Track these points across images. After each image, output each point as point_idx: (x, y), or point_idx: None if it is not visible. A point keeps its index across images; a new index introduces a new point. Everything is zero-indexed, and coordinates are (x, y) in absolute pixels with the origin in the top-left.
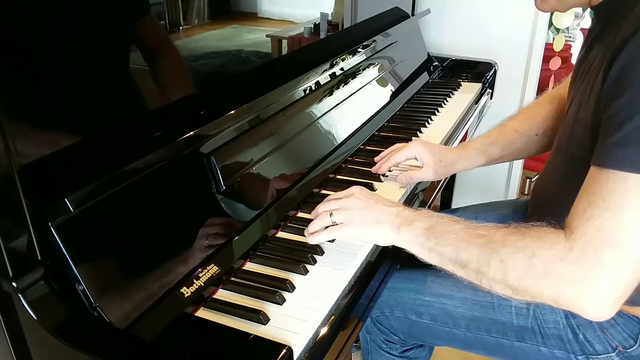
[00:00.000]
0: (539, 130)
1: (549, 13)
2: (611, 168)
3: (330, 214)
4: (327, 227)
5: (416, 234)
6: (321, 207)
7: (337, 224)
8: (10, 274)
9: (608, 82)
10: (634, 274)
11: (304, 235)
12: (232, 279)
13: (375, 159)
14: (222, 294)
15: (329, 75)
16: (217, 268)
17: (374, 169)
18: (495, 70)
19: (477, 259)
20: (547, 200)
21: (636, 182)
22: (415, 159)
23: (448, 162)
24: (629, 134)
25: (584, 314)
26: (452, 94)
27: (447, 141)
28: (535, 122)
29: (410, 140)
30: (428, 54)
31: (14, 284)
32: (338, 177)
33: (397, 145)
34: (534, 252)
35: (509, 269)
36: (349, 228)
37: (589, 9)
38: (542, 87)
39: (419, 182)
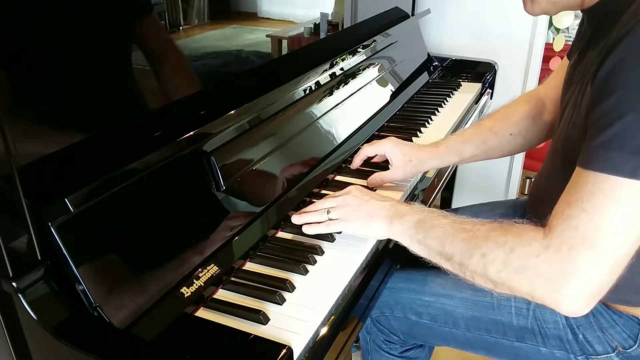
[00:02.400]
0: (514, 130)
1: None
2: (592, 170)
3: (328, 212)
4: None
5: (407, 227)
6: (319, 204)
7: (333, 220)
8: (10, 274)
9: (595, 84)
10: (607, 274)
11: (304, 235)
12: (232, 279)
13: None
14: (222, 294)
15: (329, 75)
16: (217, 268)
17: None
18: (495, 70)
19: (460, 252)
20: (543, 203)
21: (614, 185)
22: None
23: (418, 160)
24: (612, 137)
25: (558, 309)
26: (452, 94)
27: None
28: (510, 122)
29: (411, 140)
30: (428, 54)
31: (14, 284)
32: (338, 177)
33: (374, 141)
34: (513, 248)
35: (489, 263)
36: (345, 223)
37: None
38: None
39: (418, 182)
